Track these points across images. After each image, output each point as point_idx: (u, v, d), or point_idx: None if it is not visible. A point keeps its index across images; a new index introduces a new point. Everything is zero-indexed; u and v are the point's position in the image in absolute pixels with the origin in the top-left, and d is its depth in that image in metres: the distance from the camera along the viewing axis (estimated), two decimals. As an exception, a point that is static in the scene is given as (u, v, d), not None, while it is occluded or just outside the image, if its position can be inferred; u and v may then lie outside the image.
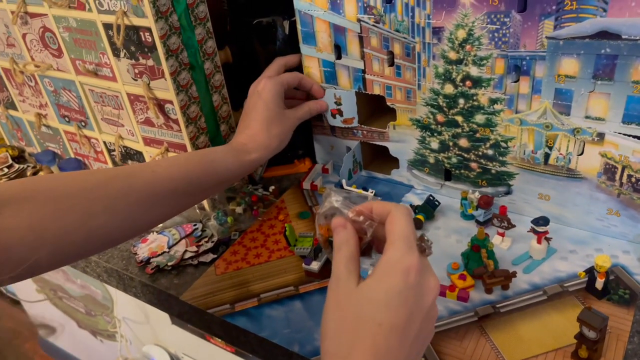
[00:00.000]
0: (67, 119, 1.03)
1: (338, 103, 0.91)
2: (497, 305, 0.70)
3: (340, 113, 0.92)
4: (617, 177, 0.73)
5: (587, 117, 0.71)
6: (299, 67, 0.93)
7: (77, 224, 0.61)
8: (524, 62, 0.72)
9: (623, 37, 0.63)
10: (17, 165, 1.14)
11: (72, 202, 0.61)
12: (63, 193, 0.61)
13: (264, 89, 0.84)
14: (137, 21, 0.77)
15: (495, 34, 0.72)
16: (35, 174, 1.10)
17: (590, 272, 0.69)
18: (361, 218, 0.55)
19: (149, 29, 0.76)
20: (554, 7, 0.66)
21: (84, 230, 0.61)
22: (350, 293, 0.48)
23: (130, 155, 0.97)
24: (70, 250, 0.62)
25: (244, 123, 0.85)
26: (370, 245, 0.56)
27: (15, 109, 1.12)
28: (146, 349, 1.20)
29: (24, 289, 1.61)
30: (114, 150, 0.99)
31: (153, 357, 1.18)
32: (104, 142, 1.00)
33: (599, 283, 0.67)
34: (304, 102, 0.91)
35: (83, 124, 1.01)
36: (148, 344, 1.20)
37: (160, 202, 0.69)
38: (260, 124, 0.82)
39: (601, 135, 0.71)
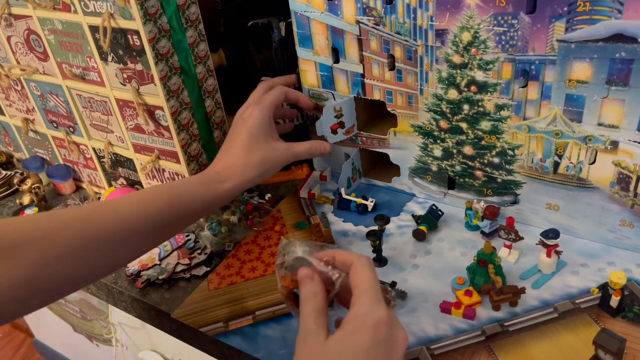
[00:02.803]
0: (55, 124, 0.99)
1: (339, 115, 0.87)
2: (506, 324, 0.66)
3: (342, 125, 0.88)
4: (632, 187, 0.69)
5: (599, 125, 0.67)
6: (298, 84, 0.89)
7: (25, 277, 0.54)
8: (532, 67, 0.68)
9: (639, 40, 0.59)
10: (4, 172, 1.11)
11: (20, 254, 0.54)
12: (10, 244, 0.54)
13: (250, 115, 0.77)
14: (124, 23, 0.73)
15: (502, 37, 0.68)
16: (23, 180, 1.06)
17: (604, 288, 0.66)
18: (329, 268, 0.53)
19: (137, 32, 0.72)
20: (565, 9, 0.62)
21: (34, 282, 0.55)
22: (319, 348, 0.47)
23: (120, 162, 0.94)
24: (13, 307, 0.54)
25: (223, 150, 0.78)
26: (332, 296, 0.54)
27: (2, 113, 1.08)
28: (142, 354, 1.17)
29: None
30: (104, 157, 0.95)
31: (149, 363, 1.16)
32: (94, 149, 0.96)
33: (614, 301, 0.64)
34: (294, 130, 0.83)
35: (71, 129, 0.97)
36: (144, 350, 1.18)
37: (125, 243, 0.63)
38: (239, 151, 0.75)
39: (615, 144, 0.67)
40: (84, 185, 1.05)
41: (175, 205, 0.67)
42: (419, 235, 0.80)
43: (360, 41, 0.80)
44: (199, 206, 0.70)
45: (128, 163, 0.92)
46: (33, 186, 1.01)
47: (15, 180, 1.06)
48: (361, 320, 0.47)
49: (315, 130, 0.86)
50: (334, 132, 0.87)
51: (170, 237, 0.75)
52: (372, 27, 0.77)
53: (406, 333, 0.50)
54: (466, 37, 0.70)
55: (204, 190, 0.71)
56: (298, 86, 0.92)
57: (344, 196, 0.89)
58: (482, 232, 0.79)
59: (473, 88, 0.73)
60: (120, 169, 0.95)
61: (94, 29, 0.77)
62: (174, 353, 1.12)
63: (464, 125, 0.77)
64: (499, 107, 0.73)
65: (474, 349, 0.64)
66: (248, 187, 0.76)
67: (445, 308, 0.69)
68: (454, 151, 0.81)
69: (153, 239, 0.68)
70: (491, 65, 0.71)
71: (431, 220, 0.82)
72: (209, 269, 0.81)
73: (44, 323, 1.63)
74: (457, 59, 0.73)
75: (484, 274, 0.69)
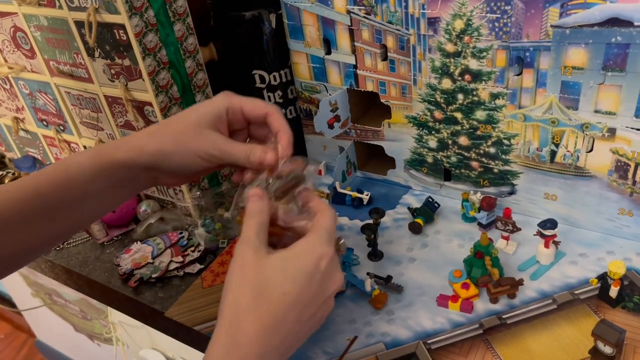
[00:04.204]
0: (44, 122, 0.97)
1: (334, 109, 0.85)
2: (504, 316, 0.65)
3: (338, 119, 0.86)
4: (630, 174, 0.67)
5: (596, 112, 0.66)
6: (291, 76, 0.87)
7: None
8: (527, 54, 0.66)
9: (635, 24, 0.58)
10: (-4, 172, 1.09)
11: None
12: None
13: (204, 101, 0.64)
14: (109, 18, 0.71)
15: (496, 24, 0.66)
16: (14, 180, 1.04)
17: (603, 278, 0.64)
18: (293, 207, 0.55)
19: (122, 26, 0.71)
20: (559, -7, 0.61)
21: None
22: (260, 259, 0.49)
23: (111, 160, 0.92)
24: None
25: None
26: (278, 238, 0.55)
27: (-8, 113, 1.07)
28: (143, 353, 1.17)
29: (20, 294, 1.58)
30: (94, 155, 0.93)
31: (150, 361, 1.15)
32: (85, 147, 0.95)
33: (613, 291, 0.62)
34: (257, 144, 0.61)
35: (61, 127, 0.95)
36: (145, 348, 1.17)
37: (13, 229, 0.56)
38: (152, 126, 0.62)
39: (612, 131, 0.66)
40: (76, 184, 1.04)
41: (61, 179, 0.58)
42: (415, 228, 0.79)
43: (351, 31, 0.78)
44: (88, 177, 0.59)
45: (119, 160, 0.91)
46: (25, 186, 0.99)
47: (7, 180, 1.05)
48: (310, 248, 0.50)
49: (308, 124, 0.85)
50: (331, 126, 0.86)
51: (66, 229, 0.63)
52: (364, 17, 0.76)
53: (342, 277, 0.53)
54: (459, 24, 0.69)
55: (91, 159, 0.59)
56: (290, 79, 0.91)
57: (339, 190, 0.87)
58: (479, 224, 0.78)
59: (467, 77, 0.72)
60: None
61: (79, 25, 0.76)
62: (174, 351, 1.11)
63: (458, 115, 0.76)
64: (494, 96, 0.71)
65: (472, 343, 0.63)
66: (153, 165, 0.59)
67: (442, 301, 0.67)
68: (449, 142, 0.79)
69: (44, 227, 0.59)
70: (485, 53, 0.69)
71: (427, 212, 0.80)
72: (202, 266, 0.80)
73: (45, 323, 1.63)
74: (450, 48, 0.71)
75: (481, 266, 0.68)
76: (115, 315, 1.23)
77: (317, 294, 0.50)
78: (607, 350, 0.55)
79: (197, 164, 0.59)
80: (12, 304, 1.74)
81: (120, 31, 0.72)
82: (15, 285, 1.56)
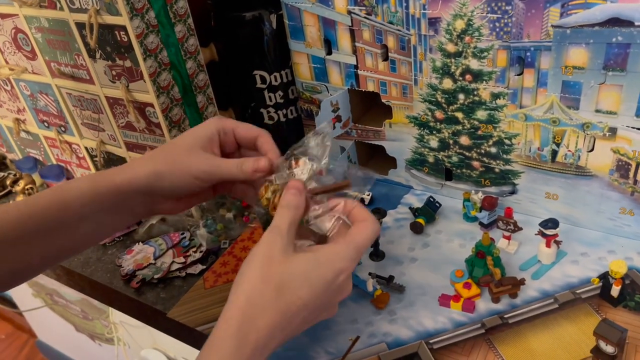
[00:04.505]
0: (46, 124, 0.98)
1: (335, 109, 0.85)
2: (506, 316, 0.65)
3: (339, 119, 0.86)
4: (631, 174, 0.68)
5: (597, 111, 0.66)
6: (292, 77, 0.86)
7: None
8: (528, 54, 0.66)
9: (636, 23, 0.58)
10: (-3, 174, 1.09)
11: None
12: None
13: (198, 125, 0.64)
14: (110, 19, 0.71)
15: (497, 24, 0.66)
16: (16, 182, 1.05)
17: (605, 277, 0.65)
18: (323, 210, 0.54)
19: (124, 28, 0.71)
20: (560, -7, 0.61)
21: None
22: (287, 258, 0.50)
23: (113, 161, 0.92)
24: None
25: None
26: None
27: (-7, 114, 1.07)
28: (145, 353, 1.16)
29: (21, 294, 1.58)
30: (96, 157, 0.94)
31: (152, 361, 1.15)
32: (86, 148, 0.95)
33: (615, 290, 0.62)
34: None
35: (63, 129, 0.95)
36: (147, 348, 1.17)
37: (8, 251, 0.57)
38: (148, 152, 0.63)
39: (613, 130, 0.66)
40: (78, 185, 1.04)
41: (56, 202, 0.59)
42: (416, 228, 0.79)
43: (352, 32, 0.78)
44: (85, 201, 0.60)
45: (121, 162, 0.91)
46: (26, 187, 1.00)
47: (8, 182, 1.05)
48: (334, 259, 0.51)
49: (309, 124, 0.85)
50: (332, 126, 0.86)
51: (68, 240, 0.62)
52: (364, 17, 0.76)
53: (351, 288, 0.54)
54: (460, 24, 0.69)
55: (92, 183, 0.60)
56: (291, 80, 0.91)
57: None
58: (481, 223, 0.78)
59: (468, 77, 0.72)
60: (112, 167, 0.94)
61: (80, 26, 0.76)
62: (176, 351, 1.11)
63: (459, 115, 0.76)
64: (495, 96, 0.72)
65: (474, 343, 0.63)
66: (147, 187, 0.59)
67: (444, 301, 0.68)
68: (451, 142, 0.79)
69: (45, 239, 0.60)
70: (486, 53, 0.69)
71: (429, 212, 0.80)
72: (204, 267, 0.80)
73: (47, 324, 1.63)
74: (451, 48, 0.71)
75: (483, 266, 0.68)
76: (116, 315, 1.23)
77: (327, 302, 0.52)
78: (609, 349, 0.55)
79: (192, 184, 0.60)
80: (13, 305, 1.74)
81: (122, 32, 0.72)
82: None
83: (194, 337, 0.72)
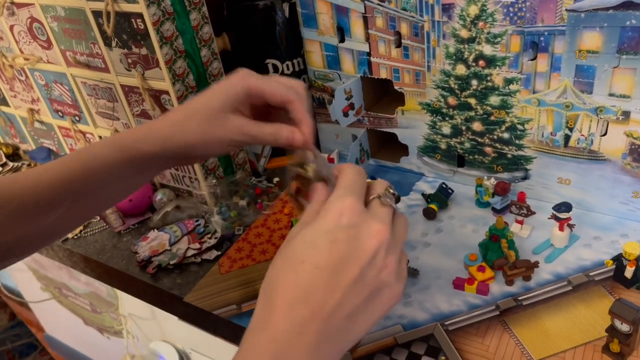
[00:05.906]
0: (60, 113, 0.99)
1: (349, 97, 0.86)
2: (520, 298, 0.66)
3: (352, 107, 0.87)
4: (644, 158, 0.68)
5: (611, 95, 0.66)
6: (304, 65, 0.87)
7: None
8: (541, 38, 0.67)
9: (650, 6, 0.58)
10: (11, 164, 1.11)
11: None
12: None
13: (222, 83, 0.61)
14: (127, 7, 0.72)
15: (510, 9, 0.67)
16: (30, 172, 1.06)
17: (618, 259, 0.65)
18: None
19: (140, 15, 0.72)
20: (574, -23, 0.61)
21: None
22: (291, 233, 0.47)
23: (127, 149, 0.93)
24: None
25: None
26: None
27: (7, 104, 1.08)
28: (153, 345, 1.17)
29: (29, 288, 1.59)
30: (110, 145, 0.94)
31: (161, 353, 1.15)
32: (100, 137, 0.96)
33: (629, 272, 0.63)
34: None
35: (77, 118, 0.96)
36: (155, 340, 1.18)
37: (44, 211, 0.58)
38: (173, 114, 0.60)
39: (626, 114, 0.66)
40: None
41: (86, 168, 0.59)
42: (429, 214, 0.80)
43: (365, 19, 0.79)
44: (110, 170, 0.60)
45: (135, 150, 0.92)
46: (41, 176, 1.00)
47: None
48: (326, 207, 0.46)
49: (321, 113, 0.85)
50: (346, 114, 0.86)
51: (92, 211, 0.66)
52: (378, 4, 0.76)
53: (383, 227, 0.45)
54: (473, 10, 0.69)
55: (115, 150, 0.59)
56: (303, 68, 0.91)
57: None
58: (494, 209, 0.78)
59: (481, 62, 0.73)
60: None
61: (97, 14, 0.77)
62: (184, 343, 1.11)
63: (472, 101, 0.76)
64: (508, 81, 0.72)
65: (489, 324, 0.64)
66: (178, 155, 0.60)
67: (458, 284, 0.68)
68: (463, 128, 0.80)
69: (70, 212, 0.60)
70: (499, 39, 0.70)
71: (441, 198, 0.81)
72: (219, 252, 0.81)
73: (55, 317, 1.64)
74: (464, 34, 0.72)
75: (497, 249, 0.69)
76: (125, 308, 1.24)
77: (348, 254, 0.44)
78: (624, 327, 0.56)
79: (222, 150, 0.60)
80: (21, 298, 1.75)
81: (138, 20, 0.73)
82: (24, 279, 1.57)
83: (211, 321, 0.73)
